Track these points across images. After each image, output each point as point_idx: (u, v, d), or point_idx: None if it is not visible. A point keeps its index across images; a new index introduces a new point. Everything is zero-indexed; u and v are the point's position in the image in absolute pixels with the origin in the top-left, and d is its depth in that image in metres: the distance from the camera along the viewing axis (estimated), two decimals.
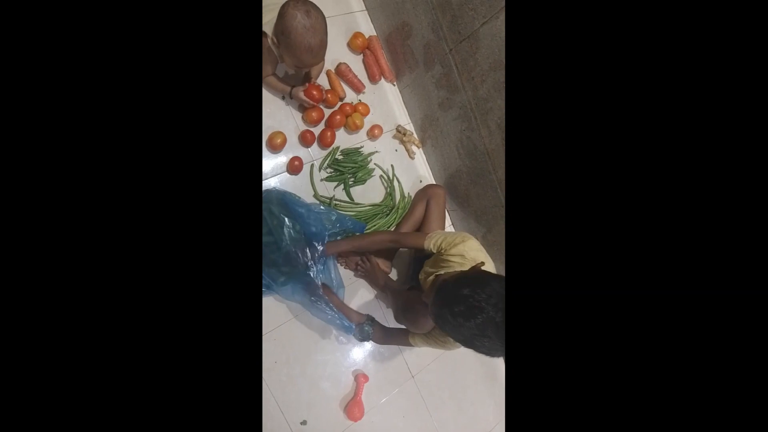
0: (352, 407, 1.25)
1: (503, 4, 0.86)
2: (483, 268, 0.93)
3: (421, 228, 1.31)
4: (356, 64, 1.37)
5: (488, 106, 1.05)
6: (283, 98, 1.25)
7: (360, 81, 1.34)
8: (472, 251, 1.00)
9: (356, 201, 1.34)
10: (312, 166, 1.28)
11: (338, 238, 1.20)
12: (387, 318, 1.32)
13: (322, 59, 1.13)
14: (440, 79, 1.19)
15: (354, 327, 1.18)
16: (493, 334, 0.73)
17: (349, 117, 1.31)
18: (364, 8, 1.40)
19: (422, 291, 1.04)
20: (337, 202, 1.31)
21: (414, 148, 1.45)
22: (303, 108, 1.26)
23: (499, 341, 0.74)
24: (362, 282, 1.33)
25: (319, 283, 1.14)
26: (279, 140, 1.20)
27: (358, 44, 1.34)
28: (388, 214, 1.36)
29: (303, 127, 1.28)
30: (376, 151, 1.39)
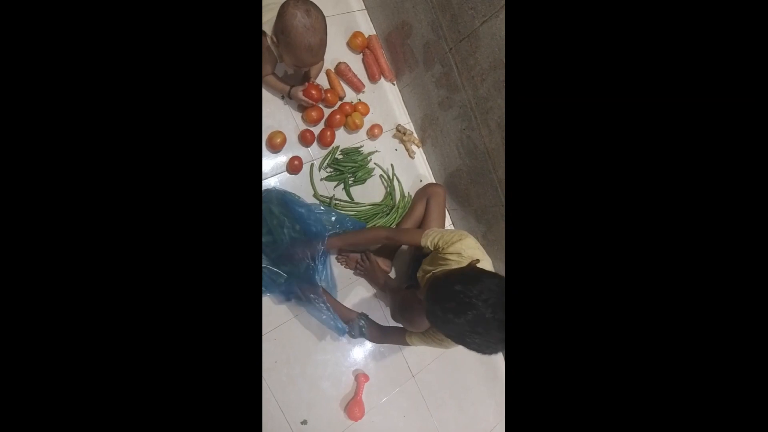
0: (353, 407, 1.25)
1: (503, 2, 0.86)
2: (480, 265, 0.92)
3: (421, 227, 1.31)
4: (356, 64, 1.37)
5: (488, 106, 1.04)
6: (283, 98, 1.25)
7: (360, 80, 1.34)
8: (469, 249, 1.00)
9: (356, 200, 1.34)
10: (312, 165, 1.28)
11: None
12: (387, 317, 1.32)
13: (322, 58, 1.13)
14: (440, 78, 1.19)
15: (347, 327, 1.17)
16: (483, 331, 0.73)
17: (349, 116, 1.31)
18: (364, 7, 1.40)
19: (420, 289, 1.04)
20: (337, 202, 1.30)
21: (414, 147, 1.45)
22: (303, 107, 1.26)
23: (490, 338, 0.74)
24: (360, 282, 1.33)
25: (319, 283, 1.14)
26: (279, 140, 1.20)
27: (357, 43, 1.34)
28: (388, 214, 1.36)
29: (303, 126, 1.27)
30: (376, 151, 1.39)
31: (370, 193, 1.37)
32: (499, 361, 1.55)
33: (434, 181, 1.47)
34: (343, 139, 1.34)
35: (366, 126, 1.36)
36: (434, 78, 1.22)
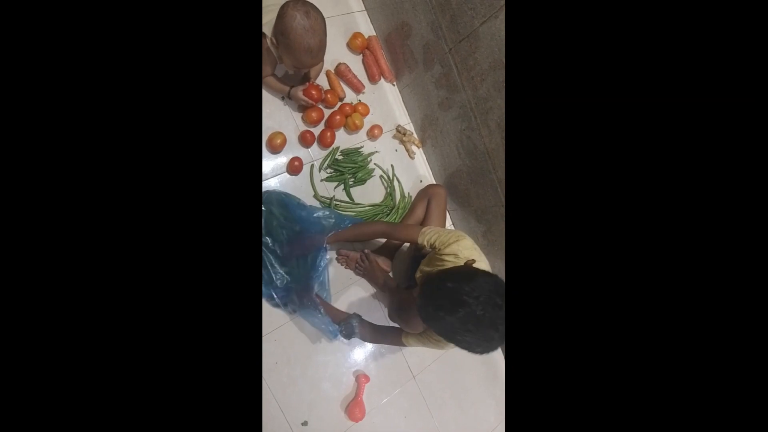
0: (353, 408, 1.25)
1: (502, 2, 0.86)
2: (476, 266, 0.92)
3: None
4: (356, 65, 1.37)
5: (488, 106, 1.04)
6: (283, 99, 1.25)
7: (359, 81, 1.34)
8: (466, 250, 0.99)
9: (356, 201, 1.34)
10: (312, 166, 1.28)
11: None
12: (385, 317, 1.32)
13: (322, 60, 1.13)
14: (440, 78, 1.19)
15: (339, 328, 1.16)
16: (474, 328, 0.73)
17: (349, 117, 1.31)
18: (364, 8, 1.40)
19: (416, 288, 1.04)
20: (337, 203, 1.30)
21: (414, 148, 1.45)
22: (303, 108, 1.26)
23: (480, 336, 0.74)
24: (357, 283, 1.33)
25: (315, 286, 1.14)
26: (279, 141, 1.20)
27: (357, 44, 1.34)
28: (388, 214, 1.36)
29: (303, 127, 1.28)
30: (376, 151, 1.39)
31: (370, 193, 1.37)
32: (499, 361, 1.54)
33: (434, 182, 1.47)
34: (343, 139, 1.34)
35: (366, 127, 1.36)
36: (434, 78, 1.22)
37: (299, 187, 1.26)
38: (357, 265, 1.29)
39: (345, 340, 1.23)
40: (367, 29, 1.39)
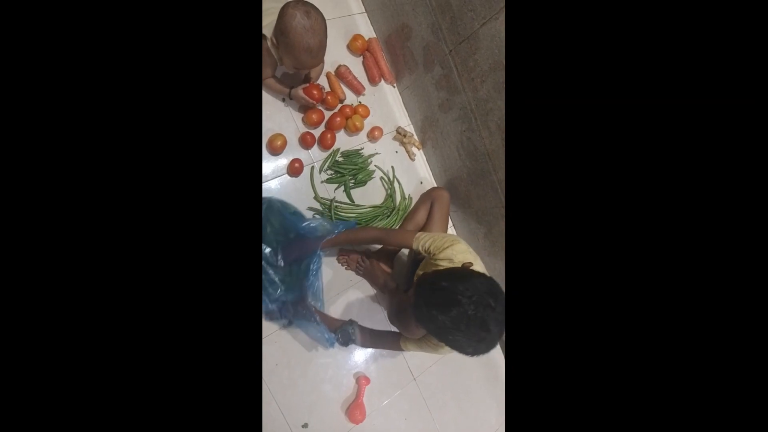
0: (354, 410, 1.25)
1: (502, 4, 0.86)
2: (473, 266, 0.92)
3: (422, 230, 1.30)
4: (356, 66, 1.37)
5: (488, 107, 1.05)
6: (283, 100, 1.25)
7: (360, 83, 1.35)
8: (460, 254, 0.99)
9: (357, 203, 1.34)
10: (312, 168, 1.28)
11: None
12: (385, 320, 1.31)
13: (321, 61, 1.13)
14: (440, 80, 1.19)
15: (335, 335, 1.15)
16: (465, 328, 0.73)
17: (349, 119, 1.31)
18: (364, 10, 1.40)
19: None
20: (337, 204, 1.30)
21: (414, 149, 1.45)
22: (303, 110, 1.27)
23: (471, 336, 0.74)
24: (357, 287, 1.32)
25: (309, 294, 1.13)
26: (279, 142, 1.20)
27: (357, 46, 1.35)
28: (388, 216, 1.36)
29: (303, 129, 1.28)
30: (377, 153, 1.39)
31: (370, 195, 1.37)
32: (500, 362, 1.54)
33: (435, 183, 1.47)
34: (343, 141, 1.34)
35: (366, 128, 1.37)
36: (434, 80, 1.22)
37: (299, 189, 1.26)
38: (357, 265, 1.29)
39: (336, 347, 1.22)
40: (367, 31, 1.40)
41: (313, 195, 1.28)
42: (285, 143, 1.22)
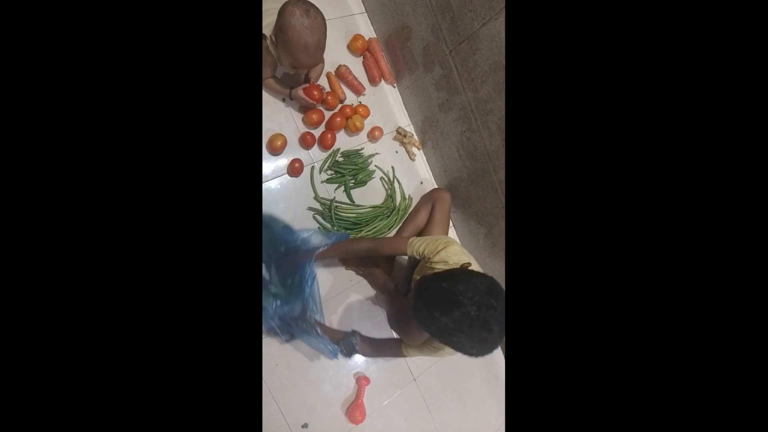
0: (354, 410, 1.25)
1: (502, 5, 0.86)
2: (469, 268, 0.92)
3: (423, 233, 1.30)
4: (356, 66, 1.37)
5: (488, 108, 1.05)
6: (284, 100, 1.25)
7: (360, 83, 1.35)
8: (455, 256, 0.99)
9: (357, 203, 1.34)
10: (312, 168, 1.28)
11: None
12: (385, 322, 1.32)
13: (319, 61, 1.12)
14: (440, 80, 1.19)
15: (338, 346, 1.15)
16: (468, 329, 0.73)
17: (350, 119, 1.31)
18: (364, 10, 1.40)
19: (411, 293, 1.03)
20: (337, 204, 1.30)
21: (414, 149, 1.45)
22: (303, 110, 1.27)
23: (474, 337, 0.74)
24: (357, 287, 1.32)
25: (309, 305, 1.12)
26: (279, 142, 1.20)
27: (358, 46, 1.35)
28: (388, 216, 1.36)
29: (303, 129, 1.28)
30: (377, 153, 1.39)
31: (370, 195, 1.37)
32: (500, 363, 1.54)
33: (435, 184, 1.47)
34: (343, 141, 1.34)
35: (366, 128, 1.37)
36: (434, 80, 1.22)
37: (300, 189, 1.26)
38: (357, 267, 1.29)
39: (340, 358, 1.22)
40: (367, 31, 1.40)
41: (314, 195, 1.28)
42: (285, 143, 1.22)
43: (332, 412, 1.25)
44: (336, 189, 1.32)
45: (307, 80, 1.23)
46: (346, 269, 1.31)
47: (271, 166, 1.23)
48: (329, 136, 1.28)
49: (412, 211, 1.37)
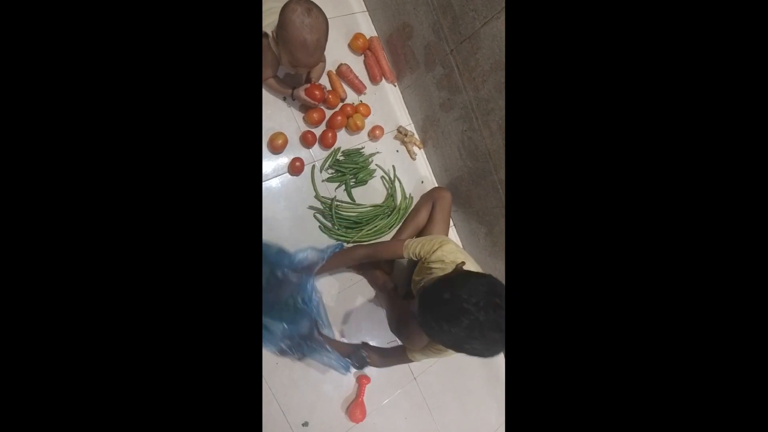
0: (354, 409, 1.25)
1: (504, 4, 0.86)
2: (465, 267, 0.92)
3: (423, 232, 1.30)
4: (357, 65, 1.37)
5: (489, 107, 1.04)
6: (285, 99, 1.25)
7: (361, 82, 1.34)
8: (451, 254, 0.99)
9: (357, 202, 1.34)
10: (313, 167, 1.28)
11: None
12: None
13: (318, 61, 1.11)
14: (441, 79, 1.19)
15: (349, 360, 1.16)
16: (480, 335, 0.72)
17: (350, 118, 1.31)
18: (365, 9, 1.40)
19: (412, 302, 1.03)
20: (338, 203, 1.30)
21: (415, 148, 1.45)
22: (304, 109, 1.27)
23: (488, 341, 0.73)
24: (357, 287, 1.32)
25: (316, 321, 1.13)
26: (280, 141, 1.20)
27: (359, 45, 1.34)
28: (389, 215, 1.36)
29: (304, 128, 1.28)
30: (378, 152, 1.39)
31: (371, 194, 1.37)
32: (500, 363, 1.54)
33: (436, 183, 1.47)
34: (344, 140, 1.34)
35: (367, 127, 1.36)
36: (435, 79, 1.22)
37: (300, 188, 1.26)
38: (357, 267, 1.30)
39: (352, 372, 1.23)
40: (368, 30, 1.39)
41: (314, 194, 1.28)
42: (286, 142, 1.22)
43: (333, 410, 1.25)
44: (337, 188, 1.32)
45: (308, 80, 1.23)
46: (346, 269, 1.31)
47: (271, 164, 1.23)
48: (330, 134, 1.28)
49: (413, 210, 1.37)
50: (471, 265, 0.99)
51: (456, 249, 1.01)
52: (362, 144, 1.37)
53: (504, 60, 0.92)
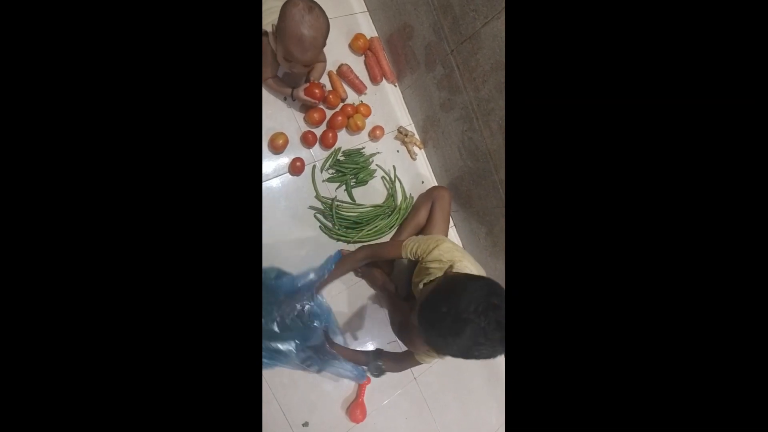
0: (354, 409, 1.25)
1: (504, 4, 0.86)
2: (462, 263, 0.92)
3: (423, 231, 1.30)
4: (358, 66, 1.37)
5: (490, 107, 1.04)
6: (285, 100, 1.25)
7: (361, 82, 1.35)
8: (447, 253, 0.99)
9: (358, 202, 1.34)
10: (314, 167, 1.28)
11: None
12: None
13: (312, 60, 1.09)
14: (441, 80, 1.19)
15: (367, 369, 1.16)
16: (485, 340, 0.72)
17: (351, 118, 1.31)
18: (366, 9, 1.40)
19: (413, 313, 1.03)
20: (338, 203, 1.31)
21: (416, 149, 1.45)
22: (305, 109, 1.27)
23: (494, 343, 0.73)
24: (356, 287, 1.32)
25: (328, 333, 1.13)
26: (281, 141, 1.20)
27: (359, 45, 1.35)
28: (389, 215, 1.36)
29: (305, 128, 1.28)
30: (378, 152, 1.39)
31: (371, 194, 1.37)
32: (500, 363, 1.54)
33: (436, 183, 1.47)
34: (345, 140, 1.34)
35: (368, 127, 1.37)
36: (436, 80, 1.22)
37: (301, 188, 1.26)
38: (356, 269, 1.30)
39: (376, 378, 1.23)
40: (369, 30, 1.40)
41: (315, 194, 1.28)
42: (286, 142, 1.22)
43: (333, 410, 1.25)
44: (337, 188, 1.32)
45: (308, 81, 1.23)
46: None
47: (272, 164, 1.23)
48: (330, 135, 1.28)
49: (412, 209, 1.37)
50: (469, 264, 0.99)
51: (453, 247, 1.01)
52: (363, 144, 1.37)
53: (504, 60, 0.92)
